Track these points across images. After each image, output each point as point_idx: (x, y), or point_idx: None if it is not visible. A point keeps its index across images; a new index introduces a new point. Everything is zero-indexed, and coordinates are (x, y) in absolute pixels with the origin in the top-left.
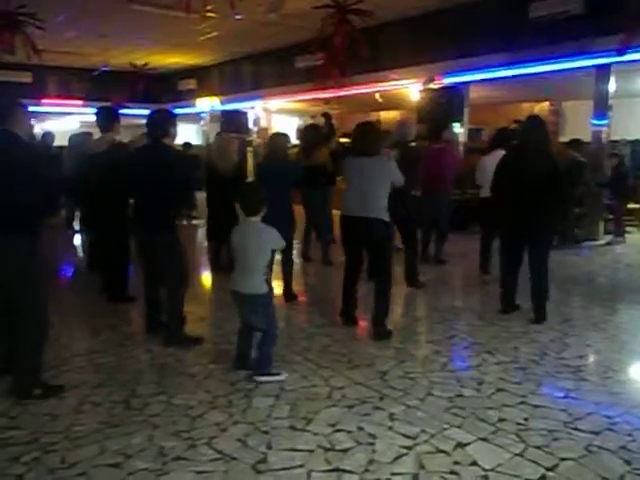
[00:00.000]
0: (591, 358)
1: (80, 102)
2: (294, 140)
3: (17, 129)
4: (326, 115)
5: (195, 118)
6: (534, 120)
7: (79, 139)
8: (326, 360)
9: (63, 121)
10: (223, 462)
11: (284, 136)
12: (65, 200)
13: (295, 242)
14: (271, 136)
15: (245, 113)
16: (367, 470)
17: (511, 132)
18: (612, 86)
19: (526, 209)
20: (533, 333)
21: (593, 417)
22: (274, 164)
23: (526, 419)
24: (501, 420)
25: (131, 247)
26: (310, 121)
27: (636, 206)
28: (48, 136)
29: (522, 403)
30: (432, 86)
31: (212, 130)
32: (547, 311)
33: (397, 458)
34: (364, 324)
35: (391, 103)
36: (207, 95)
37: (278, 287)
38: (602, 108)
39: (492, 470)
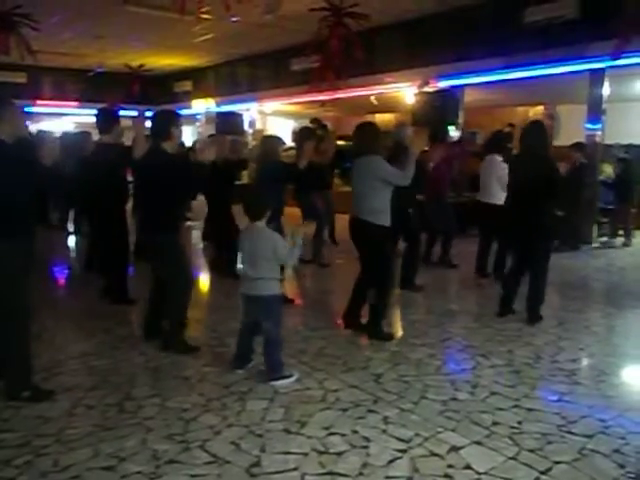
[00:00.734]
0: (585, 361)
1: (75, 103)
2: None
3: (7, 129)
4: (316, 121)
5: (190, 120)
6: (533, 125)
7: (74, 138)
8: (321, 363)
9: (58, 122)
10: (217, 465)
11: (276, 138)
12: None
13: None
14: (263, 139)
15: (240, 115)
16: (361, 473)
17: (506, 136)
18: (606, 90)
19: (526, 212)
20: (527, 336)
21: (587, 420)
22: (266, 166)
23: (520, 422)
24: (495, 423)
25: (130, 249)
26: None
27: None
28: (43, 135)
29: (516, 406)
30: (427, 89)
31: (207, 132)
32: (542, 314)
33: (391, 461)
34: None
35: (386, 106)
36: (202, 97)
37: None
38: (596, 112)
39: (486, 473)
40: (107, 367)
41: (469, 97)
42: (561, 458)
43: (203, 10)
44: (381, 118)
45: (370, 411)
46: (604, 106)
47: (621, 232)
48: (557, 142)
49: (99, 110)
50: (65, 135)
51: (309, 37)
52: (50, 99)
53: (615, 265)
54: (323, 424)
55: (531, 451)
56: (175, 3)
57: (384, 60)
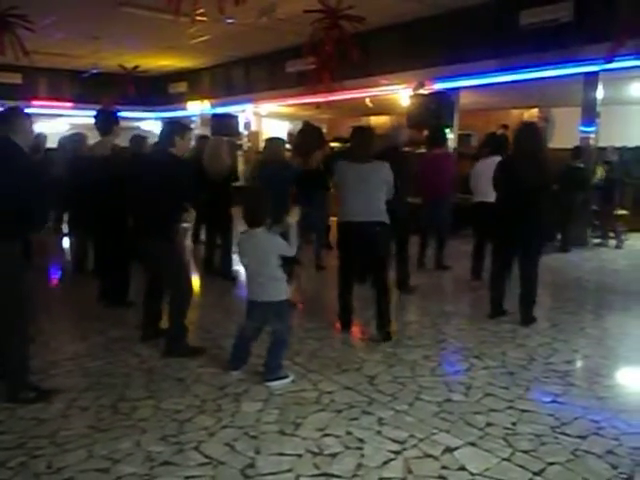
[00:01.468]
0: (579, 363)
1: (70, 104)
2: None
3: (20, 137)
4: (307, 124)
5: (186, 121)
6: (526, 127)
7: (71, 140)
8: (315, 364)
9: (53, 123)
10: (211, 467)
11: (280, 140)
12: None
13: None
14: (267, 141)
15: (236, 117)
16: (355, 475)
17: (504, 138)
18: (600, 93)
19: (519, 215)
20: (521, 338)
21: (580, 422)
22: (273, 169)
23: (514, 424)
24: (489, 425)
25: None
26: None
27: (624, 212)
28: (40, 137)
29: (510, 408)
30: (422, 92)
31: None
32: (535, 316)
33: (385, 463)
34: (356, 329)
35: (381, 108)
36: (198, 98)
37: None
38: (590, 115)
39: (480, 474)
40: (101, 369)
41: (464, 99)
42: (555, 459)
43: (198, 12)
44: (376, 120)
45: (364, 412)
46: (598, 109)
47: (612, 234)
48: (551, 145)
49: (99, 111)
50: (62, 139)
51: (304, 39)
52: (45, 100)
53: (608, 267)
54: (317, 425)
55: (525, 452)
56: (170, 4)
57: (379, 62)
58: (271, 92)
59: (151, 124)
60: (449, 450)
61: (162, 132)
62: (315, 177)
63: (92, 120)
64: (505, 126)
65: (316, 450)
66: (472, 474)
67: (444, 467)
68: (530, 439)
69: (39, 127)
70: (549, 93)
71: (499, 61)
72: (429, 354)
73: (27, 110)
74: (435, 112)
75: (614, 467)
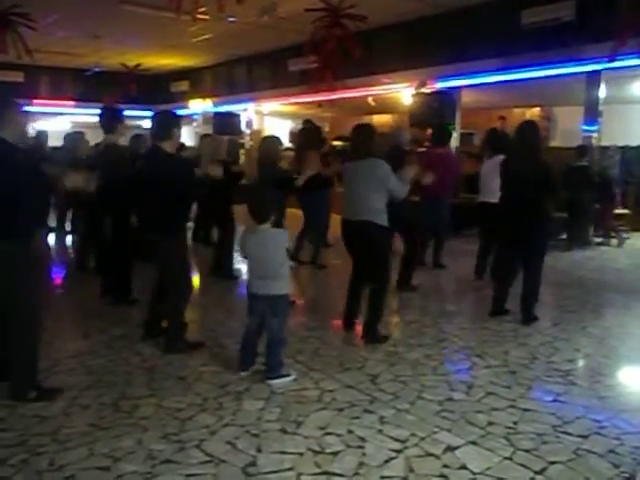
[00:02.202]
0: (580, 362)
1: (72, 102)
2: (288, 143)
3: (8, 132)
4: (308, 122)
5: (187, 120)
6: (524, 126)
7: (71, 139)
8: (317, 363)
9: (55, 121)
10: (213, 465)
11: (275, 139)
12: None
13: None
14: (262, 140)
15: (238, 115)
16: (357, 473)
17: (504, 135)
18: (602, 92)
19: (521, 213)
20: (523, 337)
21: (582, 421)
22: (266, 168)
23: (515, 423)
24: (490, 424)
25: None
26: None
27: (625, 211)
28: (42, 135)
29: (511, 407)
30: (424, 90)
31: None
32: (537, 315)
33: (387, 461)
34: (359, 327)
35: (384, 107)
36: (200, 97)
37: None
38: (592, 114)
39: (481, 473)
40: (103, 367)
41: (466, 98)
42: (556, 458)
43: (199, 10)
44: (378, 119)
45: (366, 411)
46: (600, 108)
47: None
48: (554, 143)
49: (103, 109)
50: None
51: (306, 38)
52: (47, 98)
53: (610, 266)
54: (319, 424)
55: (526, 451)
56: (171, 3)
57: (381, 61)
58: (273, 91)
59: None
60: (450, 449)
61: (158, 123)
62: (315, 176)
63: (94, 119)
64: (502, 117)
65: (317, 448)
66: (473, 473)
67: (445, 466)
68: (532, 438)
69: (41, 125)
70: (551, 92)
71: (501, 60)
72: (431, 353)
73: (24, 105)
74: (437, 111)
75: (616, 466)
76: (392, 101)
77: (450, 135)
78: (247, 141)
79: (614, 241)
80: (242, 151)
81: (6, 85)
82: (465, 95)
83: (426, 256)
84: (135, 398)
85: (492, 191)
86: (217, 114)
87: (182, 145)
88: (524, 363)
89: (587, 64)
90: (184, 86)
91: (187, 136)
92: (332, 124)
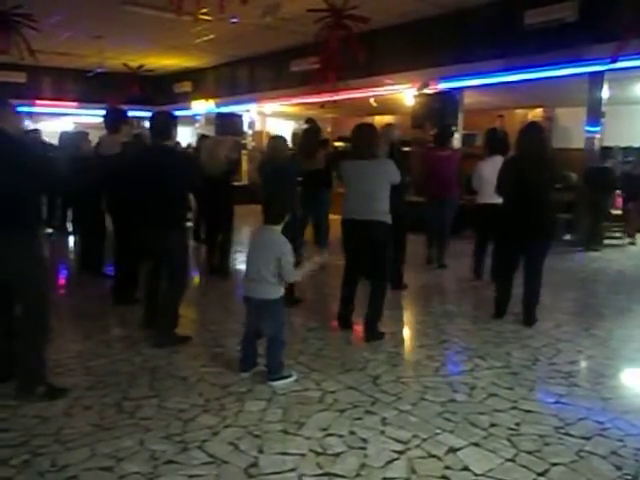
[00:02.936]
0: (583, 364)
1: (74, 103)
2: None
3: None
4: (310, 121)
5: (190, 120)
6: (528, 128)
7: (71, 138)
8: (318, 364)
9: (57, 122)
10: (215, 466)
11: (283, 139)
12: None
13: None
14: (270, 139)
15: (240, 116)
16: (359, 475)
17: (504, 135)
18: (605, 93)
19: (528, 216)
20: (525, 338)
21: (584, 422)
22: (274, 167)
23: (518, 424)
24: (493, 425)
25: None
26: (305, 126)
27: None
28: (36, 133)
29: (514, 408)
30: (427, 91)
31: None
32: (539, 316)
33: (389, 463)
34: (359, 328)
35: (386, 108)
36: (202, 98)
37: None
38: (595, 115)
39: (483, 475)
40: (105, 367)
41: (468, 99)
42: (559, 460)
43: (202, 11)
44: (380, 120)
45: (368, 412)
46: (603, 109)
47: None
48: (556, 145)
49: (108, 109)
50: (63, 134)
51: (309, 39)
52: (50, 99)
53: (613, 268)
54: (321, 425)
55: (529, 453)
56: (171, 3)
57: (384, 62)
58: (275, 91)
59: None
60: (453, 450)
61: (162, 123)
62: (318, 176)
63: (97, 119)
64: (501, 116)
65: (319, 450)
66: (475, 474)
67: (447, 467)
68: (534, 440)
69: (43, 126)
70: (554, 93)
71: (504, 61)
72: (433, 354)
73: (31, 109)
74: (439, 112)
75: (618, 468)
76: (394, 102)
77: (452, 135)
78: (249, 142)
79: (625, 241)
80: (244, 152)
81: (8, 86)
82: (468, 96)
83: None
84: (137, 399)
85: (488, 192)
86: (219, 115)
87: (177, 144)
88: (526, 364)
89: (590, 65)
90: (187, 87)
91: (190, 136)
92: (334, 125)
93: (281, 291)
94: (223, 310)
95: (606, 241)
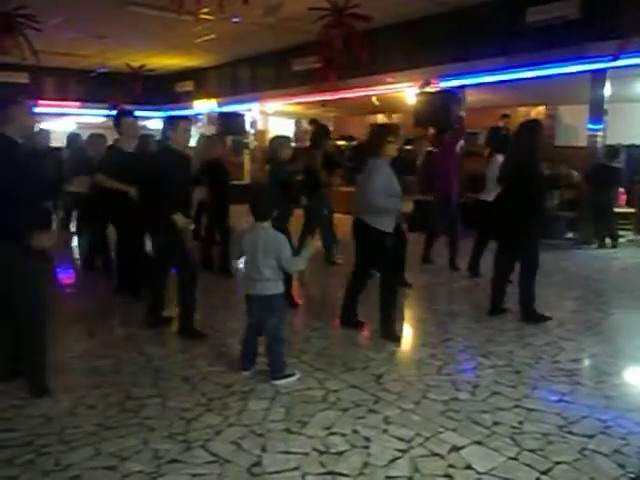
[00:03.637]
0: (586, 362)
1: (77, 103)
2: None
3: (12, 128)
4: (314, 121)
5: (193, 120)
6: (523, 125)
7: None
8: (321, 363)
9: (60, 122)
10: (218, 465)
11: (283, 139)
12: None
13: None
14: (271, 140)
15: (242, 115)
16: (362, 473)
17: (505, 132)
18: (608, 91)
19: (509, 216)
20: (528, 337)
21: (587, 421)
22: (274, 168)
23: (521, 423)
24: (496, 424)
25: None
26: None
27: (631, 210)
28: (42, 134)
29: (517, 407)
30: (428, 89)
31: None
32: (538, 312)
33: (392, 461)
34: (363, 328)
35: (388, 106)
36: (204, 97)
37: None
38: (598, 113)
39: (486, 473)
40: (108, 366)
41: (470, 97)
42: (562, 458)
43: (203, 11)
44: (382, 119)
45: (371, 411)
46: (606, 107)
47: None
48: (558, 143)
49: (117, 110)
50: (72, 136)
51: (310, 38)
52: (52, 99)
53: (616, 266)
54: (324, 424)
55: (532, 451)
56: (173, 3)
57: (385, 60)
58: (277, 91)
59: (158, 123)
60: (455, 449)
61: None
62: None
63: (99, 119)
64: (506, 115)
65: (322, 448)
66: (478, 473)
67: (450, 466)
68: (537, 438)
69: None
70: (556, 91)
71: (506, 59)
72: (435, 353)
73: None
74: (441, 110)
75: (621, 466)
76: (396, 100)
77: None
78: (251, 141)
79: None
80: (246, 151)
81: (11, 86)
82: (469, 94)
83: (431, 255)
84: (141, 398)
85: (486, 190)
86: (221, 114)
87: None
88: (529, 363)
89: (592, 62)
90: (189, 86)
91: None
92: (336, 124)
93: (281, 287)
94: (226, 309)
95: (608, 240)
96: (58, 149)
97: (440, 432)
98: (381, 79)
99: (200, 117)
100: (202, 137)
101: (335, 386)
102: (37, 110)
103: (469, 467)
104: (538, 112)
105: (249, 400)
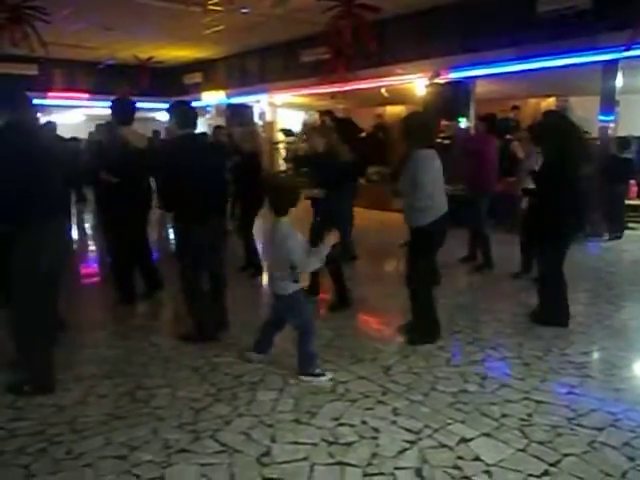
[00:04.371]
0: (596, 355)
1: (86, 95)
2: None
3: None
4: (327, 113)
5: (201, 111)
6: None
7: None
8: (330, 354)
9: (68, 114)
10: (227, 455)
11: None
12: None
13: None
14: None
15: (251, 107)
16: (370, 464)
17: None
18: (619, 82)
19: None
20: (538, 329)
21: (597, 413)
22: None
23: (529, 415)
24: (504, 415)
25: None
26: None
27: (639, 202)
28: (50, 126)
29: (525, 399)
30: (438, 81)
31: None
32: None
33: (400, 452)
34: (369, 318)
35: (397, 98)
36: (213, 89)
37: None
38: (609, 104)
39: (495, 465)
40: (119, 357)
41: (480, 88)
42: (570, 450)
43: (212, 2)
44: (392, 110)
45: (379, 402)
46: (617, 98)
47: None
48: None
49: (115, 101)
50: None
51: (319, 29)
52: (61, 91)
53: (627, 259)
54: (333, 415)
55: (540, 443)
56: None
57: (395, 51)
58: (286, 82)
59: (166, 115)
60: (464, 440)
61: (189, 115)
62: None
63: (107, 111)
64: (516, 107)
65: (331, 439)
66: (487, 464)
67: (459, 457)
68: (546, 430)
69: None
70: (567, 82)
71: (516, 49)
72: (444, 345)
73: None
74: (451, 101)
75: (631, 459)
76: (406, 92)
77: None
78: (260, 132)
79: (628, 233)
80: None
81: (20, 78)
82: (479, 85)
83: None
84: (151, 388)
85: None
86: (230, 106)
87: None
88: (538, 355)
89: (603, 53)
90: (197, 78)
91: (201, 127)
92: (345, 115)
93: (296, 285)
94: (237, 301)
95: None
96: (76, 139)
97: (449, 424)
98: (391, 70)
99: (209, 109)
100: (219, 128)
101: (344, 377)
102: (45, 102)
103: (478, 459)
104: (549, 103)
105: (258, 391)
